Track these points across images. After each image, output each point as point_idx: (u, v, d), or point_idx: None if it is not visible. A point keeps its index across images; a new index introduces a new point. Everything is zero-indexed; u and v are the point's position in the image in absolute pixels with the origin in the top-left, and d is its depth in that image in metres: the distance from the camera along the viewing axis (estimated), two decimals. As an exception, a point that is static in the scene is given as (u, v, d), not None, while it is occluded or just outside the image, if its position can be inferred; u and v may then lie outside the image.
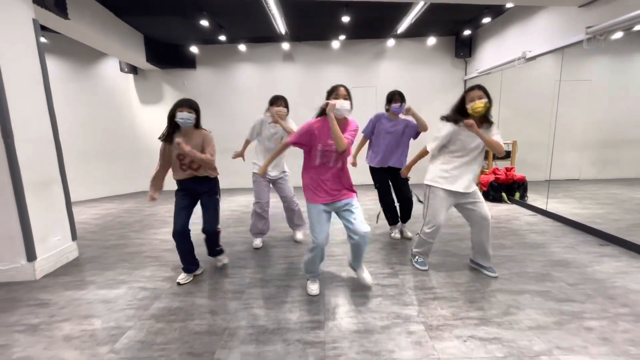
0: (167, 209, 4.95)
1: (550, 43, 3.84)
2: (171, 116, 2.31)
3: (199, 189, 2.47)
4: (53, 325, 1.99)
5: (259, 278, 2.55)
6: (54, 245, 2.86)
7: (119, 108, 6.14)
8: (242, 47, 5.99)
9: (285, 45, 5.94)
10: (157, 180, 2.49)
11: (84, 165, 5.59)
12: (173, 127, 2.34)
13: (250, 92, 6.25)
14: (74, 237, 3.11)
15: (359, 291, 2.28)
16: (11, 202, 2.53)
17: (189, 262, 2.54)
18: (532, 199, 4.65)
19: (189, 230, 2.43)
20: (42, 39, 2.87)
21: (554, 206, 4.09)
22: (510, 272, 2.51)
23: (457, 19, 5.16)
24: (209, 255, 2.70)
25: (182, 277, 2.51)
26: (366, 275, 2.33)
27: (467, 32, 5.53)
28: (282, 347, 1.72)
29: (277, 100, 3.00)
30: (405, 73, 6.18)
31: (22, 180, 2.56)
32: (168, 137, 2.35)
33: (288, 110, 3.05)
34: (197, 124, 2.39)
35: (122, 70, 5.94)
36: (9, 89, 2.46)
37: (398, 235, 3.34)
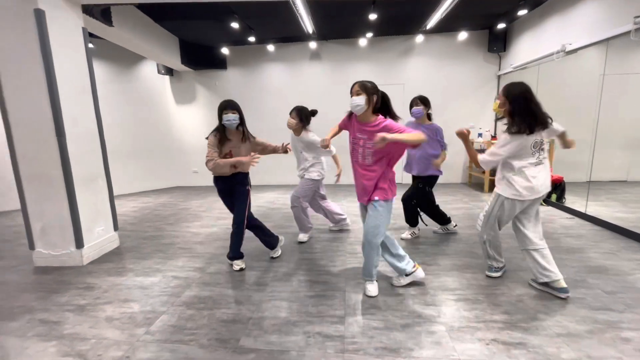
0: (199, 204, 5.19)
1: (593, 35, 3.59)
2: (220, 117, 2.50)
3: (232, 180, 2.64)
4: (97, 307, 2.19)
5: (283, 272, 2.63)
6: (99, 235, 3.12)
7: (156, 108, 6.52)
8: (270, 48, 6.13)
9: (312, 44, 6.00)
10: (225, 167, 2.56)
11: (124, 162, 6.00)
12: (223, 126, 2.53)
13: (279, 91, 6.39)
14: (115, 227, 3.37)
15: (381, 289, 2.29)
16: (63, 194, 2.80)
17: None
18: (570, 201, 4.38)
19: (253, 219, 2.77)
20: (90, 45, 3.13)
21: (594, 209, 3.83)
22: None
23: (491, 12, 4.95)
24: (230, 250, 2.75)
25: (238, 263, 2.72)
26: (371, 288, 2.21)
27: (501, 26, 5.29)
28: (303, 339, 1.78)
29: (291, 112, 3.06)
30: (434, 69, 6.03)
31: (73, 175, 2.82)
32: (223, 137, 2.53)
33: (303, 120, 3.04)
34: (240, 124, 2.55)
35: (159, 72, 6.30)
36: (62, 91, 2.72)
37: (408, 237, 3.30)
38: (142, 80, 6.30)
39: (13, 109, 2.70)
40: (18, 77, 2.65)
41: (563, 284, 2.07)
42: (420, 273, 2.33)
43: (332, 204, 3.51)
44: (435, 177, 3.12)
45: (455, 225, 3.43)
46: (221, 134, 2.52)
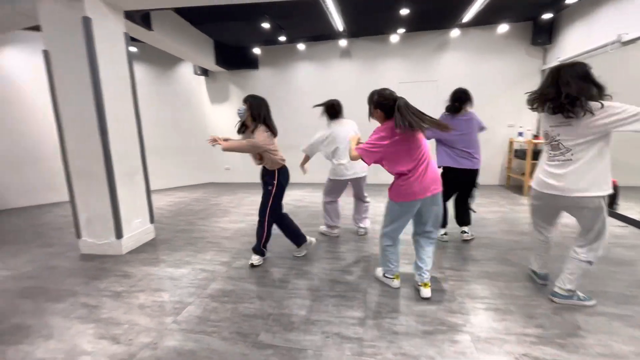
0: (229, 200, 5.37)
1: (655, 22, 3.21)
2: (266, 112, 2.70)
3: (261, 175, 2.78)
4: (132, 294, 2.34)
5: (306, 270, 2.65)
6: (136, 227, 3.33)
7: (192, 107, 6.83)
8: (300, 46, 6.17)
9: (343, 42, 5.95)
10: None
11: (161, 158, 6.35)
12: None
13: (309, 90, 6.42)
14: (151, 220, 3.58)
15: (403, 293, 2.23)
16: (105, 188, 3.02)
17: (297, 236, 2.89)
18: (625, 207, 3.97)
19: (283, 214, 2.87)
20: (132, 49, 3.33)
21: (652, 217, 3.44)
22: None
23: (536, 2, 4.60)
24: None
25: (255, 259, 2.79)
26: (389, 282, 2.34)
27: (547, 16, 4.89)
28: (321, 339, 1.77)
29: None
30: (471, 65, 5.73)
31: (114, 171, 3.03)
32: (242, 127, 2.80)
33: (332, 111, 3.17)
34: (252, 115, 2.62)
35: (195, 73, 6.59)
36: (106, 93, 2.93)
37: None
38: (179, 81, 6.63)
39: (64, 109, 2.95)
40: (68, 80, 2.89)
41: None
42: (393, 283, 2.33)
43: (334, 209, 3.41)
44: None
45: (445, 234, 3.19)
46: (242, 124, 2.76)
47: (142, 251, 3.20)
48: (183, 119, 6.72)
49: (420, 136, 2.09)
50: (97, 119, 2.90)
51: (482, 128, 3.00)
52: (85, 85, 2.85)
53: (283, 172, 2.72)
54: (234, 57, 6.36)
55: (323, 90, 6.33)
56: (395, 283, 2.31)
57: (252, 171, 6.75)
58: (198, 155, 6.99)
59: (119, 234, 3.09)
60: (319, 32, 5.74)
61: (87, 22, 2.77)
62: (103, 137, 2.94)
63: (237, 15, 4.72)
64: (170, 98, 6.53)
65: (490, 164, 5.81)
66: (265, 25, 4.86)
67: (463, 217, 3.15)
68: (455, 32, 5.56)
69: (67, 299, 2.32)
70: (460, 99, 2.89)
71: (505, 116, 5.67)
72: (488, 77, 5.65)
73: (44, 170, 5.42)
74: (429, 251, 2.24)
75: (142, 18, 3.67)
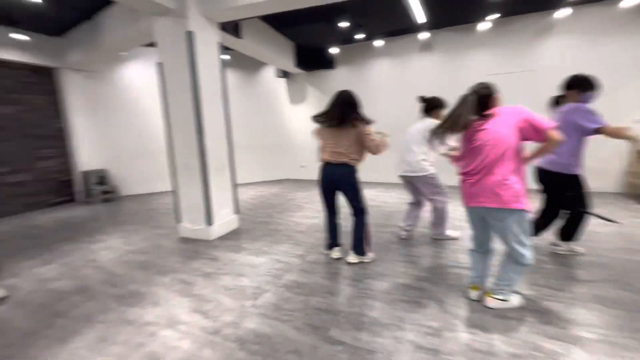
0: (303, 196, 5.59)
1: None
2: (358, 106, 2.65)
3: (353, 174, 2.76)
4: (219, 276, 2.62)
5: (378, 271, 2.59)
6: (224, 216, 3.71)
7: (272, 108, 7.32)
8: (377, 43, 6.05)
9: (423, 35, 5.64)
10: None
11: (245, 155, 6.94)
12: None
13: (386, 87, 6.27)
14: (236, 211, 3.95)
15: (489, 308, 2.01)
16: (200, 180, 3.43)
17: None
18: None
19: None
20: (224, 57, 3.71)
21: None
22: None
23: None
24: None
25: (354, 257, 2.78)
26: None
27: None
28: (392, 344, 1.72)
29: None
30: (582, 49, 4.85)
31: (207, 166, 3.42)
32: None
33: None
34: None
35: (277, 75, 7.02)
36: (203, 97, 3.33)
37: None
38: (262, 84, 7.16)
39: (172, 112, 3.44)
40: (175, 86, 3.36)
41: None
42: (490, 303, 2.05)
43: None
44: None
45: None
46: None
47: (227, 238, 3.55)
48: (264, 119, 7.25)
49: (488, 145, 1.79)
50: (195, 120, 3.31)
51: (584, 128, 2.33)
52: (187, 90, 3.28)
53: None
54: (312, 59, 6.58)
55: (401, 86, 6.12)
56: (472, 294, 2.10)
57: (325, 169, 6.93)
58: (277, 153, 7.45)
59: (209, 222, 3.49)
60: (398, 27, 5.54)
61: (190, 36, 3.18)
62: (199, 136, 3.34)
63: (317, 16, 4.86)
64: (254, 100, 7.10)
65: (605, 167, 4.85)
66: (344, 25, 4.89)
67: (563, 230, 2.69)
68: (562, 13, 4.78)
69: (169, 274, 2.71)
70: (569, 87, 2.48)
71: (628, 110, 4.66)
72: (605, 63, 4.71)
73: (154, 164, 6.44)
74: (486, 259, 2.11)
75: (233, 28, 4.06)
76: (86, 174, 5.89)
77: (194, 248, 3.29)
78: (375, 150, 2.57)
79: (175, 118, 3.44)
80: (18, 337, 1.93)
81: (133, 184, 6.43)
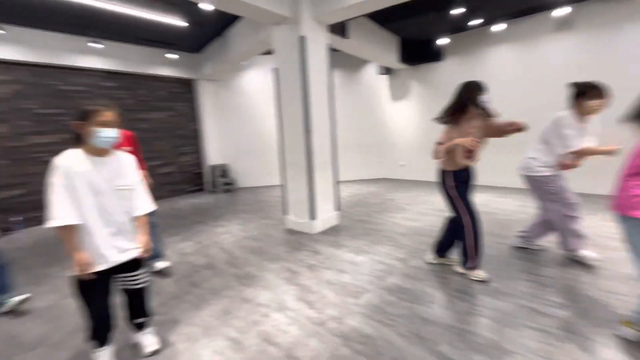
0: (403, 197, 5.37)
1: None
2: (473, 98, 2.24)
3: (473, 180, 2.44)
4: (321, 269, 2.71)
5: (495, 287, 2.27)
6: (325, 212, 3.85)
7: (373, 106, 7.25)
8: (497, 28, 5.30)
9: (560, 11, 4.68)
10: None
11: (344, 153, 7.07)
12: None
13: (505, 77, 5.47)
14: (337, 208, 4.05)
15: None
16: (306, 177, 3.63)
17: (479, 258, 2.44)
18: None
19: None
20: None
21: None
22: None
23: None
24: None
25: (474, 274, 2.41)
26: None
27: None
28: (519, 376, 1.46)
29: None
30: None
31: (313, 163, 3.60)
32: (455, 118, 2.33)
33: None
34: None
35: (378, 73, 6.92)
36: (312, 98, 3.50)
37: None
38: (364, 82, 7.16)
39: (284, 112, 3.74)
40: (288, 90, 3.63)
41: None
42: None
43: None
44: None
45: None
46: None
47: (328, 234, 3.66)
48: (364, 117, 7.25)
49: None
50: (303, 119, 3.51)
51: None
52: (298, 92, 3.50)
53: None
54: (417, 52, 6.23)
55: (526, 75, 5.24)
56: (626, 331, 1.63)
57: (427, 169, 6.51)
58: (375, 151, 7.37)
59: (313, 216, 3.66)
60: (527, 5, 4.75)
61: (302, 40, 3.37)
62: (307, 135, 3.53)
63: (426, 6, 4.56)
64: (355, 98, 7.16)
65: None
66: (458, 11, 4.46)
67: None
68: None
69: (277, 261, 2.95)
70: None
71: None
72: None
73: (265, 161, 7.16)
74: None
75: (340, 29, 4.15)
76: (212, 168, 6.97)
77: (299, 240, 3.51)
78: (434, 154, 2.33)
79: (287, 118, 3.71)
80: (167, 299, 2.38)
81: (247, 178, 7.31)
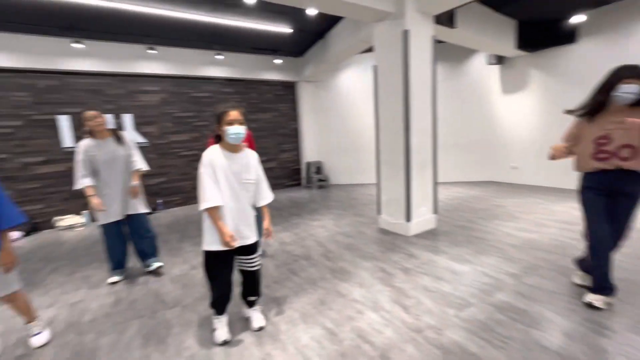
0: (515, 203, 4.69)
1: None
2: (608, 88, 1.84)
3: (622, 187, 1.90)
4: (417, 274, 2.59)
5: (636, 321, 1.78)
6: (422, 214, 3.65)
7: (480, 100, 6.51)
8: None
9: None
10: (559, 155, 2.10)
11: (446, 153, 6.54)
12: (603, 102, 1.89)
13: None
14: (434, 210, 3.80)
15: None
16: (402, 176, 3.51)
17: (603, 281, 1.97)
18: None
19: (610, 241, 1.96)
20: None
21: None
22: None
23: None
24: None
25: (594, 299, 1.97)
26: None
27: None
28: None
29: None
30: None
31: (411, 162, 3.45)
32: (592, 112, 1.93)
33: None
34: None
35: (488, 63, 6.16)
36: (412, 94, 3.35)
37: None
38: (469, 75, 6.49)
39: (382, 111, 3.68)
40: (387, 86, 3.56)
41: None
42: None
43: None
44: None
45: None
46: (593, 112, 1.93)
47: (424, 237, 3.47)
48: (470, 113, 6.57)
49: None
50: (403, 116, 3.39)
51: None
52: (398, 88, 3.40)
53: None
54: (540, 36, 5.32)
55: None
56: None
57: (548, 173, 5.52)
58: (481, 151, 6.62)
59: (408, 217, 3.52)
60: None
61: (405, 35, 3.25)
62: (406, 133, 3.40)
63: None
64: (460, 93, 6.55)
65: None
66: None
67: None
68: None
69: (370, 260, 2.94)
70: None
71: None
72: None
73: (358, 159, 7.21)
74: None
75: (447, 18, 3.84)
76: (308, 165, 7.38)
77: (392, 240, 3.42)
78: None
79: (385, 115, 3.64)
80: (270, 282, 2.63)
81: (340, 175, 7.49)
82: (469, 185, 6.40)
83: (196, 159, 5.88)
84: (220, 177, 1.73)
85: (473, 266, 2.68)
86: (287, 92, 7.28)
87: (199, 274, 2.83)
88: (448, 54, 6.31)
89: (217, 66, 6.09)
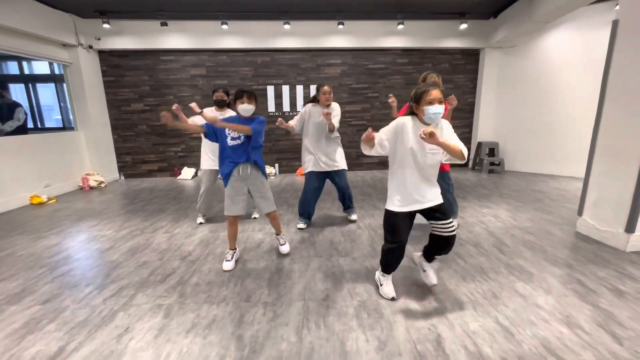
0: None
1: None
2: None
3: None
4: (637, 302, 1.96)
5: None
6: (655, 227, 2.67)
7: None
8: None
9: None
10: None
11: None
12: None
13: None
14: None
15: None
16: (633, 172, 2.60)
17: None
18: None
19: None
20: None
21: None
22: None
23: None
24: None
25: None
26: None
27: None
28: None
29: None
30: None
31: (652, 154, 2.51)
32: None
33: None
34: None
35: None
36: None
37: None
38: None
39: (618, 78, 2.77)
40: (630, 51, 2.60)
41: None
42: None
43: None
44: None
45: None
46: None
47: None
48: None
49: None
50: (654, 90, 2.45)
51: None
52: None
53: None
54: None
55: None
56: None
57: None
58: None
59: (630, 227, 2.65)
60: None
61: (615, 25, 2.24)
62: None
63: None
64: None
65: None
66: None
67: None
68: None
69: (561, 267, 2.43)
70: None
71: None
72: None
73: (549, 143, 5.84)
74: None
75: None
76: (480, 145, 6.54)
77: (597, 252, 2.69)
78: None
79: (620, 87, 2.72)
80: (434, 259, 2.59)
81: (519, 161, 6.32)
82: None
83: (363, 128, 6.22)
84: (406, 143, 1.80)
85: None
86: (467, 60, 6.50)
87: (365, 233, 3.10)
88: None
89: (396, 36, 6.04)
